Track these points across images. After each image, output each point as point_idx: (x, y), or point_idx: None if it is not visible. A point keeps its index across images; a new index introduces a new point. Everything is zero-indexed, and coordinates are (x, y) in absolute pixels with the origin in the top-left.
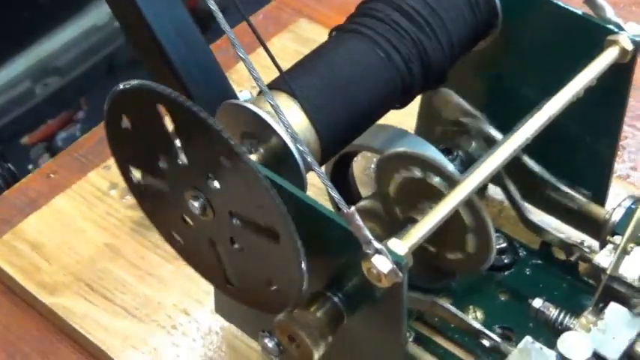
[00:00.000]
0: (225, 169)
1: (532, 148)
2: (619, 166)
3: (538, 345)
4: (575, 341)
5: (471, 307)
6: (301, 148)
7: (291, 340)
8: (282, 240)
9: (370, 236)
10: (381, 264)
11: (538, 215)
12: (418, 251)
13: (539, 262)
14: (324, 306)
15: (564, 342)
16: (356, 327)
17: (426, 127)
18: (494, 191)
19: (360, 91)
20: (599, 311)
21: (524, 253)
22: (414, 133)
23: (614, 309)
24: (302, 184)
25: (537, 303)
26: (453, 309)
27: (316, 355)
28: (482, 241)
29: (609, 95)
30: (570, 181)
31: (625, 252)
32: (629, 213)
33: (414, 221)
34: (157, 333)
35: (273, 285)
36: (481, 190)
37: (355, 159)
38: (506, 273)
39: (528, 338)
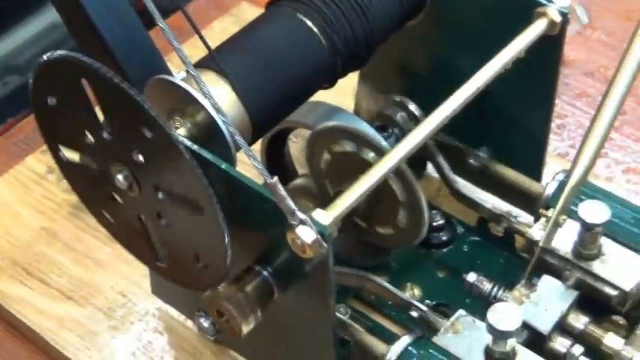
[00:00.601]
0: (147, 142)
1: (467, 124)
2: (558, 144)
3: (470, 318)
4: (506, 312)
5: (408, 284)
6: (226, 121)
7: (220, 315)
8: (205, 214)
9: (293, 206)
10: (305, 234)
11: (475, 192)
12: (351, 228)
13: (477, 238)
14: (253, 281)
15: (494, 313)
16: (287, 302)
17: (364, 106)
18: (434, 170)
19: (291, 67)
20: (532, 284)
21: (462, 230)
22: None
23: (546, 281)
24: (231, 161)
25: (471, 277)
26: (384, 283)
27: (245, 330)
28: (415, 215)
29: (540, 69)
30: (506, 156)
31: (557, 224)
32: (562, 186)
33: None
34: (93, 316)
35: (200, 261)
36: (420, 168)
37: (295, 139)
38: (444, 250)
39: (461, 311)
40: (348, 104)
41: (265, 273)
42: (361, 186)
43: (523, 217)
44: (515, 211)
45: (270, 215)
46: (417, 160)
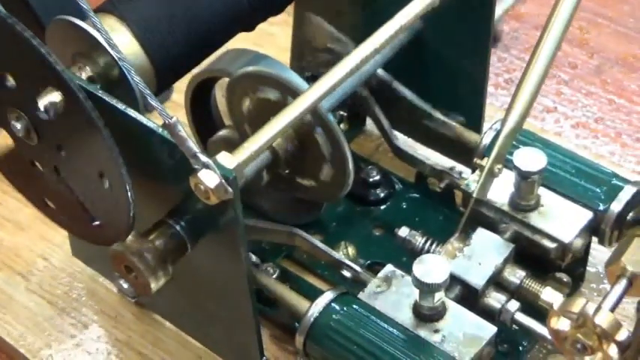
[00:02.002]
0: (44, 85)
1: (404, 75)
2: (506, 99)
3: (400, 273)
4: (432, 264)
5: (342, 242)
6: (127, 66)
7: (128, 271)
8: (106, 162)
9: (196, 149)
10: (208, 178)
11: (414, 147)
12: (279, 184)
13: (416, 195)
14: (164, 235)
15: (420, 265)
16: (201, 257)
17: (299, 57)
18: (374, 126)
19: (199, 11)
20: (466, 237)
21: (401, 186)
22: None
23: (481, 234)
24: (137, 109)
25: (403, 232)
26: (313, 240)
27: (154, 286)
28: (339, 167)
29: (474, 14)
30: (444, 107)
31: (492, 174)
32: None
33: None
34: (12, 279)
35: (102, 219)
36: (359, 123)
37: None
38: (382, 207)
39: (389, 266)
40: (286, 58)
41: (177, 227)
42: (271, 129)
43: (466, 173)
44: (458, 167)
45: (173, 160)
46: (356, 115)
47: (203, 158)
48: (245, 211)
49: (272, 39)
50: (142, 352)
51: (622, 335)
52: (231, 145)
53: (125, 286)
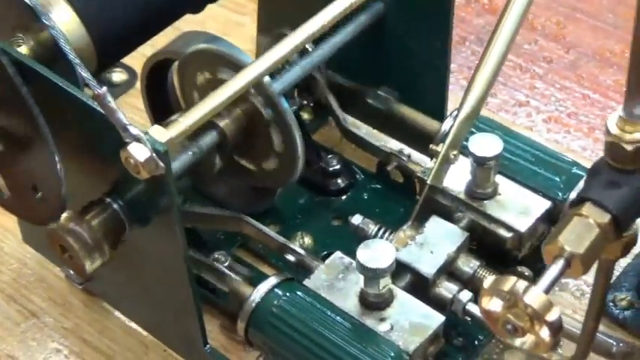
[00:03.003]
0: None
1: (365, 63)
2: None
3: (348, 260)
4: (377, 249)
5: (299, 232)
6: (57, 34)
7: (63, 250)
8: (36, 137)
9: (125, 121)
10: (138, 152)
11: (373, 135)
12: (230, 171)
13: (378, 186)
14: (101, 214)
15: (364, 249)
16: (139, 239)
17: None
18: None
19: None
20: (419, 225)
21: (362, 177)
22: None
23: (434, 222)
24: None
25: (356, 219)
26: (258, 224)
27: (89, 267)
28: (288, 150)
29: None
30: (407, 96)
31: (447, 160)
32: None
33: (213, 125)
34: None
35: (37, 192)
36: (324, 114)
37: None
38: (343, 198)
39: (338, 253)
40: None
41: (115, 205)
42: (208, 103)
43: (422, 159)
44: (413, 153)
45: (106, 133)
46: (321, 106)
47: (134, 131)
48: (199, 199)
49: (241, 29)
50: (88, 339)
51: (553, 315)
52: None
53: (72, 271)
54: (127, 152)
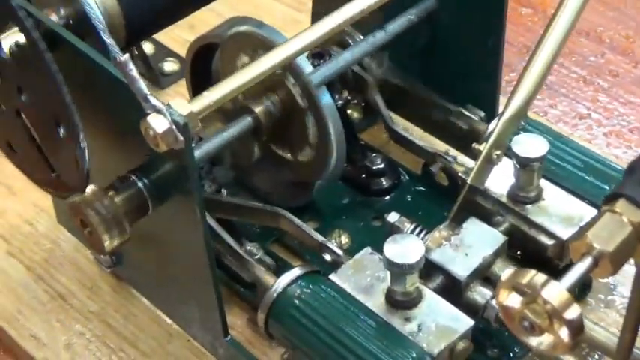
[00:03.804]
0: (6, 22)
1: (414, 60)
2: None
3: (377, 256)
4: (405, 244)
5: (336, 231)
6: (95, 13)
7: (84, 225)
8: (61, 110)
9: (146, 90)
10: (157, 123)
11: (423, 139)
12: (268, 161)
13: (422, 188)
14: (125, 191)
15: (392, 244)
16: (163, 220)
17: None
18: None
19: None
20: (456, 226)
21: (407, 178)
22: None
23: (472, 224)
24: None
25: (393, 217)
26: (296, 219)
27: (107, 244)
28: (323, 142)
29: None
30: (456, 98)
31: (490, 161)
32: None
33: (248, 111)
34: None
35: (59, 171)
36: (375, 115)
37: None
38: (386, 198)
39: (368, 249)
40: None
41: (140, 184)
42: (234, 80)
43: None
44: (466, 161)
45: (126, 104)
46: (369, 106)
47: (154, 101)
48: (241, 193)
49: (298, 26)
50: (112, 324)
51: (572, 313)
52: (225, 115)
53: (103, 256)
54: (147, 123)
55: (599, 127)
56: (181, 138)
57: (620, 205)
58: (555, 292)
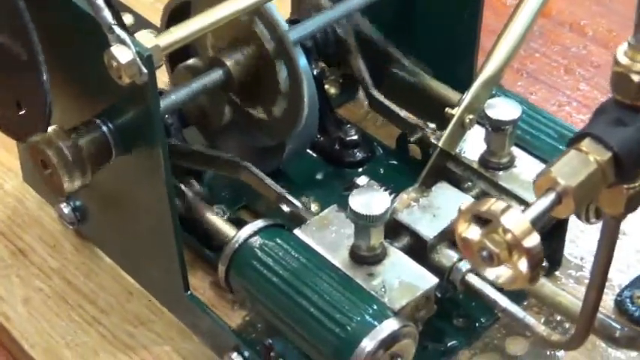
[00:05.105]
0: None
1: (394, 31)
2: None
3: (344, 214)
4: (371, 196)
5: (305, 198)
6: None
7: (44, 166)
8: (22, 46)
9: (111, 20)
10: (121, 54)
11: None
12: (238, 123)
13: (395, 162)
14: (88, 134)
15: (357, 196)
16: (125, 172)
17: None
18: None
19: None
20: (425, 189)
21: (381, 152)
22: None
23: (441, 187)
24: None
25: (362, 181)
26: (257, 170)
27: (67, 186)
28: (295, 97)
29: None
30: (434, 68)
31: (462, 125)
32: None
33: (219, 63)
34: None
35: (22, 106)
36: (352, 91)
37: None
38: (359, 170)
39: (334, 206)
40: None
41: (104, 128)
42: (203, 18)
43: None
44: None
45: (90, 35)
46: (349, 80)
47: (119, 32)
48: None
49: None
50: (73, 282)
51: (532, 241)
52: (195, 72)
53: (65, 211)
54: (110, 53)
55: (579, 114)
56: (145, 71)
57: (586, 143)
58: (515, 219)
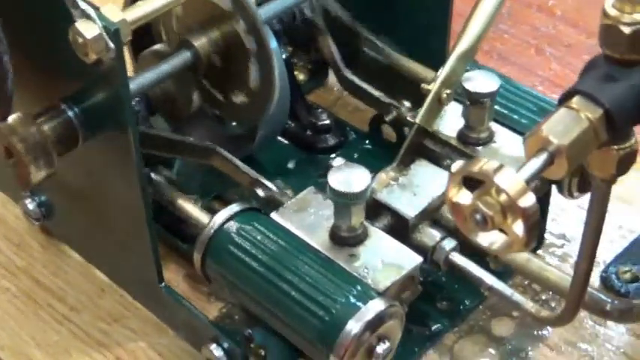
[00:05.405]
0: None
1: (366, 9)
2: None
3: (321, 196)
4: (351, 173)
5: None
6: None
7: (8, 154)
8: None
9: None
10: (87, 29)
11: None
12: (207, 109)
13: (369, 146)
14: (53, 119)
15: (336, 173)
16: (93, 161)
17: None
18: (334, 81)
19: None
20: (404, 168)
21: (354, 136)
22: None
23: (420, 165)
24: None
25: (337, 163)
26: (230, 156)
27: (33, 175)
28: (264, 75)
29: None
30: (406, 47)
31: (439, 100)
32: None
33: (187, 45)
34: None
35: None
36: (321, 77)
37: None
38: (332, 156)
39: (312, 188)
40: None
41: (70, 113)
42: None
43: None
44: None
45: (53, 12)
46: (318, 66)
47: (84, 6)
48: None
49: None
50: (41, 280)
51: (528, 200)
52: (160, 57)
53: (30, 207)
54: (75, 29)
55: (552, 94)
56: (112, 46)
57: (577, 101)
58: (509, 178)
